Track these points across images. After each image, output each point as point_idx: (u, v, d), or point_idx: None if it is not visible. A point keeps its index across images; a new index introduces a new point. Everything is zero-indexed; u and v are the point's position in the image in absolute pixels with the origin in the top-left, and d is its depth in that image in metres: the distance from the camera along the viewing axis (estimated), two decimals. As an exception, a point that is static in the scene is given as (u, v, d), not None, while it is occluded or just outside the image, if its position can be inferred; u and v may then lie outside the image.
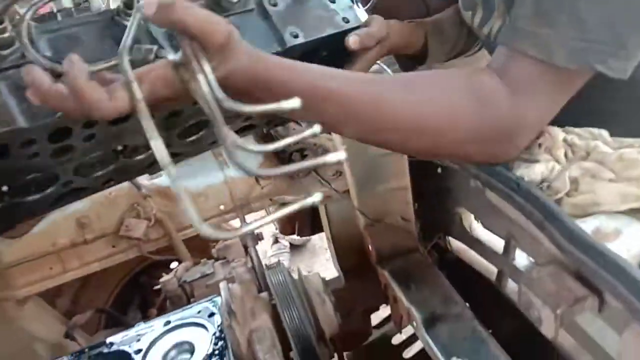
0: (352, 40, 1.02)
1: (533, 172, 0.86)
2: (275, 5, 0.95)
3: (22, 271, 1.62)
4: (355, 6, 1.09)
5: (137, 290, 2.21)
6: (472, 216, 1.78)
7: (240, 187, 1.77)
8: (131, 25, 0.57)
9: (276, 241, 3.87)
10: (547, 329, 0.62)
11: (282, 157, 1.87)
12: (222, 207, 1.77)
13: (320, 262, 3.63)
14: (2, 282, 1.55)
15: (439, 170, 1.77)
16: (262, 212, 1.92)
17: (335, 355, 1.80)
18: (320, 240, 3.71)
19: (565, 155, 0.89)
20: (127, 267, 2.16)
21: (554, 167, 0.86)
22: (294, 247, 3.85)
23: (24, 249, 1.61)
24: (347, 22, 1.04)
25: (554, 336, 0.61)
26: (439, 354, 1.35)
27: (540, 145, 0.87)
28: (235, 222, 1.85)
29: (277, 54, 0.96)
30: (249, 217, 1.76)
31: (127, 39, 0.57)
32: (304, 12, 0.98)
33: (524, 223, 0.75)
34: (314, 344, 1.05)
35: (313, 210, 2.06)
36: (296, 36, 0.96)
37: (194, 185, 1.77)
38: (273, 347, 1.00)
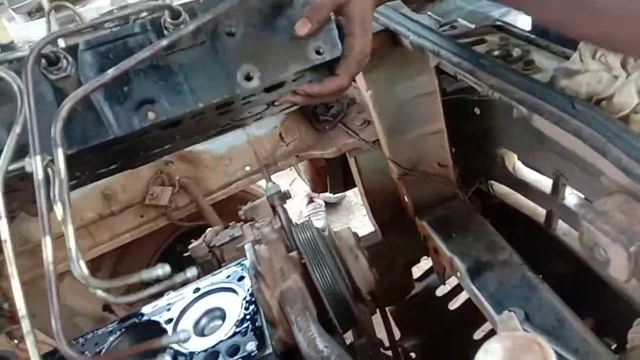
0: (299, 27, 0.83)
1: (575, 84, 0.72)
2: (231, 34, 0.81)
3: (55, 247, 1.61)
4: (334, 31, 0.87)
5: (175, 260, 2.21)
6: (515, 156, 1.65)
7: (265, 146, 1.69)
8: None
9: (311, 201, 3.82)
10: (617, 270, 0.51)
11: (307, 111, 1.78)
12: (247, 168, 1.71)
13: (358, 219, 3.56)
14: (37, 260, 1.55)
15: (477, 110, 1.64)
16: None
17: (378, 311, 1.74)
18: (355, 197, 3.63)
19: (623, 65, 0.74)
20: (161, 237, 2.15)
21: (602, 78, 0.71)
22: (329, 205, 3.79)
23: (53, 226, 1.59)
24: (321, 54, 0.87)
25: (627, 279, 0.50)
26: (486, 304, 1.27)
27: (595, 51, 0.73)
28: (262, 183, 1.78)
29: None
30: (275, 177, 1.68)
31: None
32: (266, 43, 0.83)
33: (581, 150, 0.64)
34: (349, 302, 0.98)
35: (344, 163, 1.96)
36: (250, 78, 0.83)
37: (217, 148, 1.71)
38: (305, 308, 0.93)
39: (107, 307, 1.66)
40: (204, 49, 0.81)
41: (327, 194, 3.83)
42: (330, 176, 2.14)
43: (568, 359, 1.04)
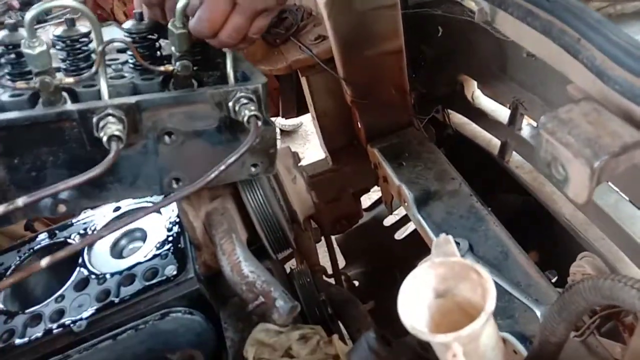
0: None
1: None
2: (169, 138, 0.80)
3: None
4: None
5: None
6: (475, 84, 1.57)
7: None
8: None
9: (266, 127, 3.67)
10: (576, 190, 0.43)
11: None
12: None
13: (315, 148, 3.46)
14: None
15: (440, 30, 1.53)
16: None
17: (323, 239, 1.69)
18: (313, 125, 3.51)
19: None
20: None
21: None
22: (284, 133, 3.66)
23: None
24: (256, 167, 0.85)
25: (586, 200, 0.42)
26: (431, 234, 1.21)
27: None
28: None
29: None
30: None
31: None
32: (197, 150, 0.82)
33: (548, 54, 0.54)
34: (283, 226, 0.90)
35: (298, 86, 1.82)
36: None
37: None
38: (231, 230, 0.84)
39: (29, 227, 1.53)
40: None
41: (282, 121, 3.70)
42: (283, 99, 2.00)
43: (509, 291, 1.01)
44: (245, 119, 0.75)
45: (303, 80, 1.66)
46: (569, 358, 0.90)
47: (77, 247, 0.77)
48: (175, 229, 0.96)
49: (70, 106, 0.74)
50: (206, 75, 0.87)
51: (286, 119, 2.35)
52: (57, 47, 0.79)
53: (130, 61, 0.85)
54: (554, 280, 1.11)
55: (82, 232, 1.03)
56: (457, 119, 1.63)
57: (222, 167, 0.70)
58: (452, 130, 1.61)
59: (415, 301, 0.43)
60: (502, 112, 1.44)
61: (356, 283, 1.83)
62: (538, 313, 0.99)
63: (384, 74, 1.46)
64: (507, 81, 1.34)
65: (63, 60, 0.81)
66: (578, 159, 0.42)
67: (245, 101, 0.77)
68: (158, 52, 0.86)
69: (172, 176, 0.83)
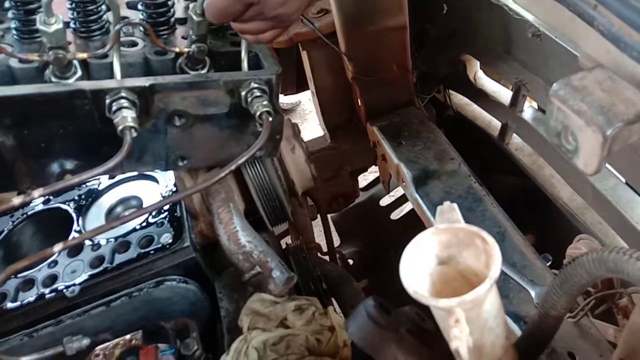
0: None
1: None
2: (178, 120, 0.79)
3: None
4: None
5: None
6: (478, 65, 1.55)
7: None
8: None
9: (264, 105, 3.65)
10: (586, 159, 0.42)
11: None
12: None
13: (311, 127, 3.44)
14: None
15: (445, 7, 1.50)
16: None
17: (319, 217, 1.68)
18: (311, 104, 3.48)
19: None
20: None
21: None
22: (283, 112, 3.63)
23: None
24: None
25: (596, 170, 0.41)
26: (428, 213, 1.21)
27: None
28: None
29: None
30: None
31: None
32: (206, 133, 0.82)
33: (560, 23, 0.52)
34: (280, 196, 0.88)
35: (298, 62, 1.80)
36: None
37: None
38: (229, 200, 0.83)
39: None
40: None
41: (282, 100, 3.67)
42: (282, 74, 1.97)
43: (504, 271, 1.01)
44: (258, 114, 0.75)
45: (304, 55, 1.63)
46: (562, 339, 0.91)
47: (87, 235, 0.77)
48: (172, 197, 0.95)
49: (83, 84, 0.73)
50: (221, 49, 0.86)
51: (285, 95, 2.32)
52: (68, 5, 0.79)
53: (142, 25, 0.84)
54: (548, 264, 1.11)
55: (76, 198, 1.01)
56: (458, 99, 1.61)
57: (232, 167, 0.71)
58: (452, 111, 1.60)
59: (418, 267, 0.42)
60: (503, 94, 1.42)
61: (350, 262, 1.83)
62: (533, 294, 0.99)
63: (387, 51, 1.44)
64: (511, 62, 1.32)
65: (73, 20, 0.80)
66: (590, 126, 0.41)
67: (258, 93, 0.77)
68: (172, 18, 0.86)
69: (178, 154, 0.82)
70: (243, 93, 0.77)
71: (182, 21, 0.89)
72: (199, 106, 0.79)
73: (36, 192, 0.65)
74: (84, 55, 0.74)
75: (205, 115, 0.79)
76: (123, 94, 0.71)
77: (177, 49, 0.79)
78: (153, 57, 0.80)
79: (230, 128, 0.82)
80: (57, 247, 0.64)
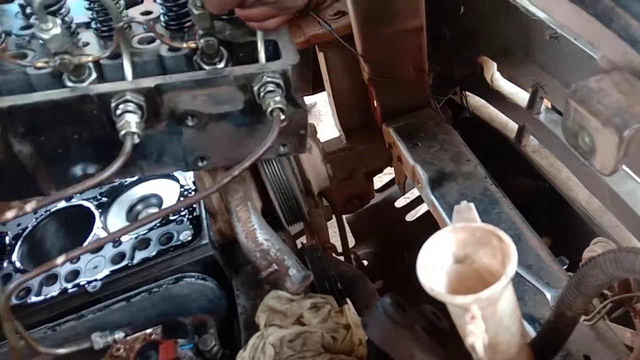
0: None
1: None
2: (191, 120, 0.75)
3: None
4: None
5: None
6: (495, 67, 1.55)
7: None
8: None
9: (280, 107, 3.67)
10: (603, 160, 0.42)
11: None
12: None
13: (327, 129, 3.45)
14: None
15: (462, 9, 1.50)
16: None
17: (334, 218, 1.69)
18: (326, 106, 3.50)
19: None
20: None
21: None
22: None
23: None
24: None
25: (612, 170, 0.41)
26: (444, 215, 1.21)
27: None
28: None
29: None
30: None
31: None
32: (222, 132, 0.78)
33: (578, 25, 0.52)
34: (297, 194, 0.90)
35: (314, 63, 1.81)
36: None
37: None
38: (247, 199, 0.85)
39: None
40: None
41: (297, 101, 3.68)
42: (299, 76, 1.98)
43: (520, 273, 1.01)
44: (269, 110, 0.70)
45: (320, 57, 1.64)
46: (577, 342, 0.91)
47: (87, 248, 0.78)
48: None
49: (90, 89, 0.72)
50: (239, 39, 0.80)
51: (301, 96, 2.34)
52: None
53: (162, 19, 0.82)
54: (564, 267, 1.10)
55: (97, 196, 1.04)
56: (475, 101, 1.61)
57: (239, 170, 0.68)
58: (469, 113, 1.59)
59: (434, 265, 0.43)
60: (520, 96, 1.42)
61: (365, 262, 1.84)
62: (548, 296, 0.99)
63: (403, 52, 1.44)
64: (528, 64, 1.32)
65: (93, 20, 0.80)
66: (607, 127, 0.41)
67: (271, 88, 0.72)
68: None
69: (197, 155, 0.80)
70: (256, 88, 0.73)
71: None
72: (211, 104, 0.75)
73: (28, 206, 0.63)
74: (89, 58, 0.72)
75: (218, 113, 0.76)
76: (128, 97, 0.69)
77: (184, 45, 0.76)
78: (166, 54, 0.77)
79: (247, 125, 0.79)
80: (60, 259, 0.64)
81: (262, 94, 0.72)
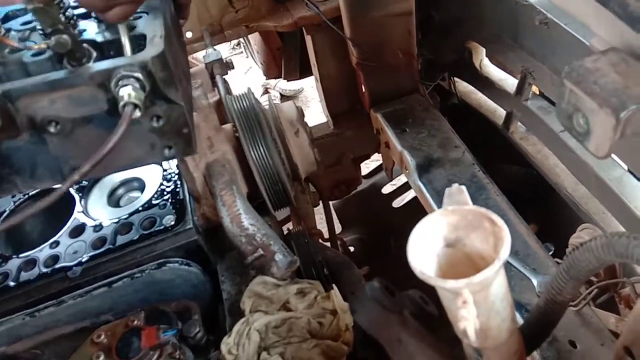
0: None
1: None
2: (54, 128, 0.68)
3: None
4: None
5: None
6: (483, 52, 1.54)
7: (210, 10, 1.48)
8: None
9: (266, 91, 3.64)
10: (598, 142, 0.41)
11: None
12: (189, 34, 1.50)
13: (314, 114, 3.43)
14: None
15: (452, -9, 1.48)
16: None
17: (321, 203, 1.68)
18: (313, 91, 3.47)
19: None
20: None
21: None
22: (285, 98, 3.62)
23: None
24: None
25: (606, 154, 0.40)
26: (431, 201, 1.21)
27: None
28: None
29: None
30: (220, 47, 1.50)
31: None
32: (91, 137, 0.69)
33: (573, 4, 0.51)
34: (283, 179, 0.88)
35: (301, 48, 1.78)
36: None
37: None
38: (232, 183, 0.83)
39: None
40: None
41: (283, 86, 3.65)
42: (286, 59, 1.96)
43: (508, 260, 1.00)
44: (121, 104, 0.63)
45: (308, 40, 1.62)
46: (563, 327, 0.91)
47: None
48: (175, 179, 0.95)
49: None
50: (110, 37, 0.75)
51: (288, 80, 2.31)
52: None
53: (38, 27, 0.74)
54: (550, 253, 1.11)
55: (78, 179, 1.01)
56: (463, 87, 1.60)
57: (77, 176, 0.62)
58: (457, 99, 1.58)
59: (425, 249, 0.42)
60: (509, 82, 1.41)
61: (351, 249, 1.83)
62: (535, 282, 0.99)
63: (392, 37, 1.42)
64: (517, 50, 1.31)
65: None
66: (603, 108, 0.40)
67: (126, 82, 0.65)
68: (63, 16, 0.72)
69: (71, 165, 0.72)
70: (112, 84, 0.65)
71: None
72: (72, 107, 0.68)
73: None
74: None
75: (82, 117, 0.69)
76: None
77: (35, 46, 0.69)
78: (28, 59, 0.70)
79: None
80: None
81: (117, 90, 0.65)
